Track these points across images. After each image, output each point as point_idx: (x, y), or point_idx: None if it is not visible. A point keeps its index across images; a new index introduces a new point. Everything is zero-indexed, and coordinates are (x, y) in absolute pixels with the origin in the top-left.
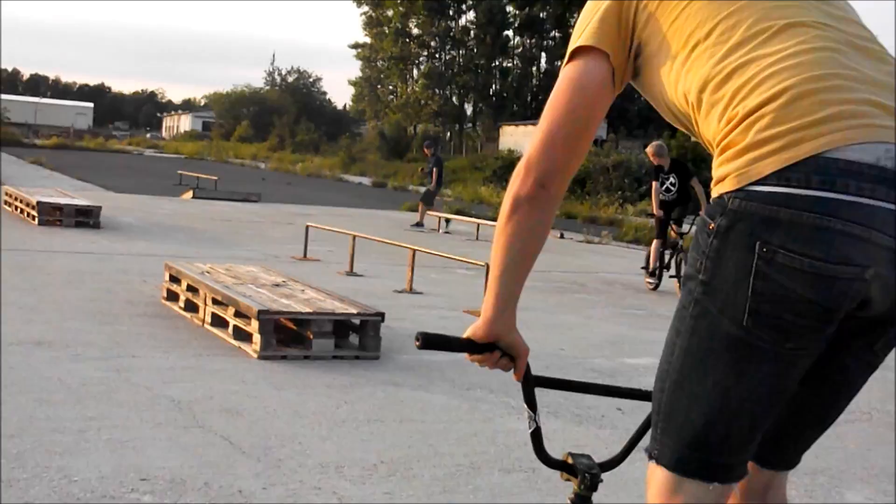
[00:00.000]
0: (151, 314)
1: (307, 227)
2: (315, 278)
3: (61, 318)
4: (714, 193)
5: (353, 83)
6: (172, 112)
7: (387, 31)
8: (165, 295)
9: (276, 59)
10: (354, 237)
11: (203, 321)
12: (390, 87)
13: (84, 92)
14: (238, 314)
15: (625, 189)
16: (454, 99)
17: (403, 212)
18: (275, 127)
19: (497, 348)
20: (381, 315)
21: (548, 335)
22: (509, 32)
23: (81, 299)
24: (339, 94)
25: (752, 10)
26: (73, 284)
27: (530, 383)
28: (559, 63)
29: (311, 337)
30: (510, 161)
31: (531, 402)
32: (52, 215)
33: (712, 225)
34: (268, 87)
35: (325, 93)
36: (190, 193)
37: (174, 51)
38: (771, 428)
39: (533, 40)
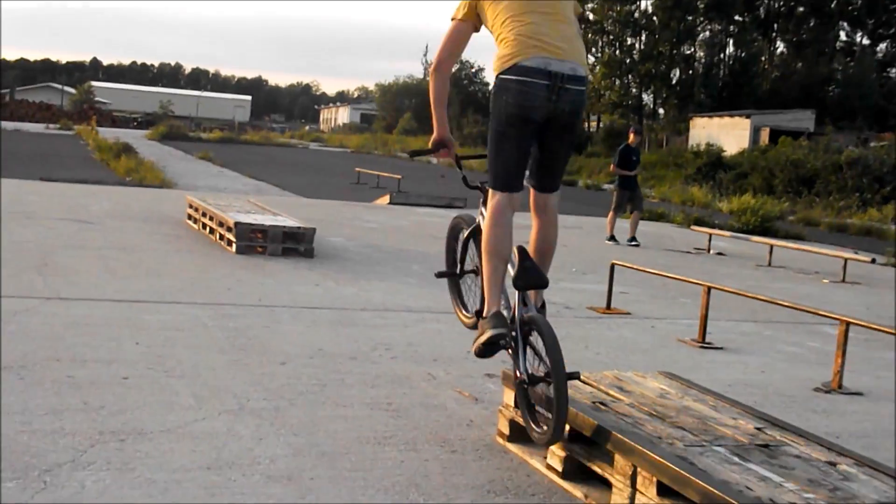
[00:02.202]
0: (520, 488)
1: (612, 265)
2: (685, 363)
3: (363, 494)
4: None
5: None
6: (329, 104)
7: None
8: (507, 432)
9: (430, 51)
10: (710, 289)
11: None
12: None
13: (242, 85)
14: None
15: (864, 190)
16: (634, 89)
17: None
18: None
19: (442, 147)
20: None
21: None
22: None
23: (367, 439)
24: None
25: (509, 10)
26: (330, 390)
27: (458, 161)
28: (742, 51)
29: None
30: (716, 157)
31: (459, 166)
32: (253, 240)
33: (491, 88)
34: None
35: (487, 83)
36: (386, 199)
37: (327, 44)
38: (536, 175)
39: (720, 25)
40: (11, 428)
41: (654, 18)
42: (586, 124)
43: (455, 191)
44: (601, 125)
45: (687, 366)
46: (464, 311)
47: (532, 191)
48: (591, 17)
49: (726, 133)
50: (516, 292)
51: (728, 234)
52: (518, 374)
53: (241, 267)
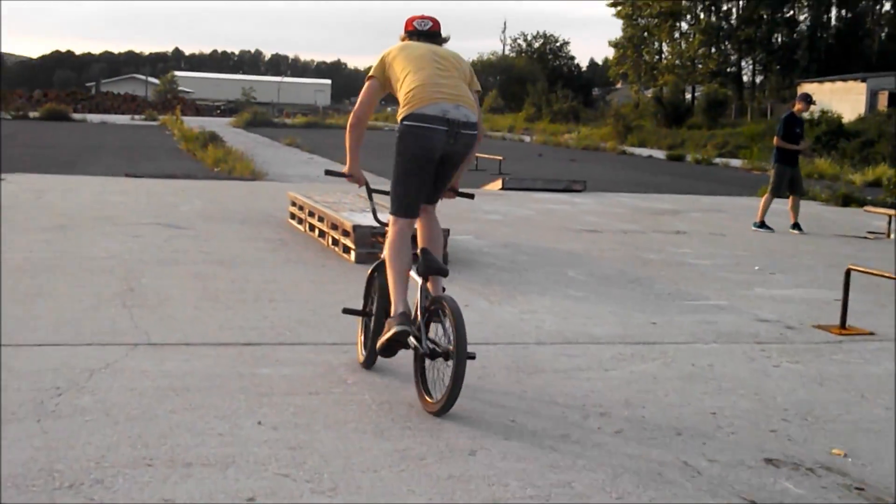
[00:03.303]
0: None
1: (848, 272)
2: None
3: None
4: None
5: (614, 44)
6: None
7: None
8: None
9: (508, 27)
10: None
11: None
12: (656, 47)
13: (321, 69)
14: None
15: None
16: (733, 56)
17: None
18: (528, 96)
19: (353, 177)
20: None
21: None
22: None
23: None
24: (580, 58)
25: (411, 65)
26: None
27: (368, 189)
28: (847, 12)
29: None
30: (836, 125)
31: (370, 196)
32: (374, 246)
33: (396, 131)
34: (513, 54)
35: (572, 57)
36: (498, 183)
37: (402, 25)
38: (428, 193)
39: None
40: None
41: None
42: (682, 96)
43: (568, 171)
44: (695, 95)
45: None
46: (363, 350)
47: None
48: None
49: (839, 99)
50: (419, 286)
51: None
52: (420, 350)
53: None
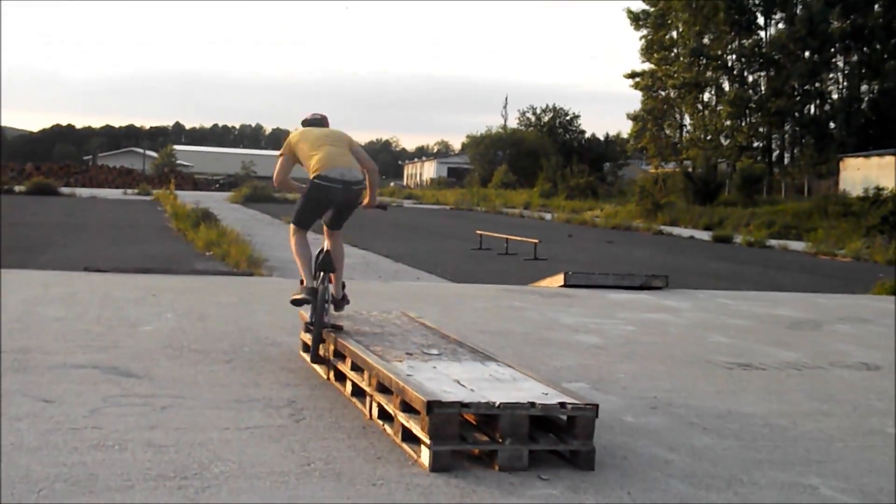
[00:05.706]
0: None
1: None
2: None
3: None
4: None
5: (633, 117)
6: (413, 160)
7: (677, 54)
8: None
9: (509, 103)
10: None
11: None
12: (678, 119)
13: None
14: None
15: None
16: (762, 129)
17: None
18: (542, 171)
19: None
20: None
21: None
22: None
23: None
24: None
25: (312, 145)
26: None
27: (301, 192)
28: (886, 83)
29: None
30: None
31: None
32: (462, 436)
33: (305, 186)
34: (523, 128)
35: (583, 131)
36: (560, 279)
37: (403, 99)
38: (329, 224)
39: (855, 58)
40: None
41: (780, 52)
42: (714, 171)
43: (615, 256)
44: (717, 170)
45: None
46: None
47: (325, 227)
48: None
49: (887, 175)
50: (321, 273)
51: None
52: (312, 320)
53: None
